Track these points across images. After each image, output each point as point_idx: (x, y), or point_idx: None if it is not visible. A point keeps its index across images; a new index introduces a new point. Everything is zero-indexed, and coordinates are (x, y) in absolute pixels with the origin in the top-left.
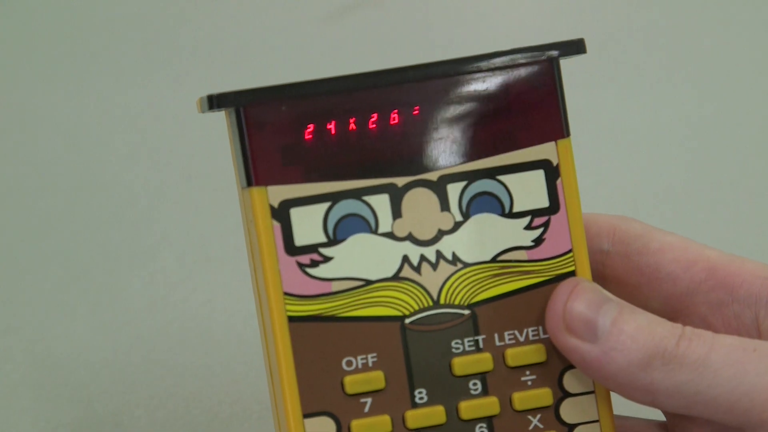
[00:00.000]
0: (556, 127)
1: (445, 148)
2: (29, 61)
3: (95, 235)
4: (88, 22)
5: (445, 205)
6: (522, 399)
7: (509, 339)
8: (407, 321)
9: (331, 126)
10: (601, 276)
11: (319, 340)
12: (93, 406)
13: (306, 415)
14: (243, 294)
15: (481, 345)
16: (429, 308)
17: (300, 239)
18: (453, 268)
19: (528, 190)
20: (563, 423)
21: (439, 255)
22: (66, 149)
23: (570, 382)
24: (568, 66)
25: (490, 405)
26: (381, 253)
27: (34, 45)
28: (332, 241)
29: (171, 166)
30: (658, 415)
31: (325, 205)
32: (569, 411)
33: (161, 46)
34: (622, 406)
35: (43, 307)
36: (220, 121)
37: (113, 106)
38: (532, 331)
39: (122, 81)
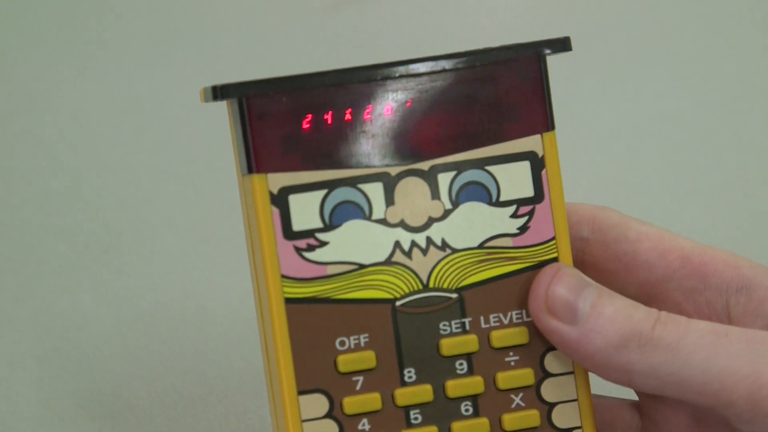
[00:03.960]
0: (542, 121)
1: (436, 140)
2: (39, 49)
3: (99, 215)
4: (94, 11)
5: (435, 194)
6: (505, 378)
7: (494, 321)
8: (398, 303)
9: (328, 116)
10: (580, 262)
11: (314, 320)
12: (94, 377)
13: (300, 392)
14: (239, 273)
15: (467, 327)
16: (419, 291)
17: (297, 224)
18: (442, 254)
19: (514, 180)
20: (544, 401)
21: (429, 241)
22: (73, 133)
23: (551, 363)
24: (552, 61)
25: (475, 384)
26: (374, 239)
27: (42, 33)
28: (328, 227)
29: (172, 150)
30: (632, 395)
31: (322, 192)
32: (550, 390)
33: (164, 35)
34: (598, 386)
35: (49, 282)
36: (220, 109)
37: (119, 93)
38: (516, 314)
39: (127, 69)
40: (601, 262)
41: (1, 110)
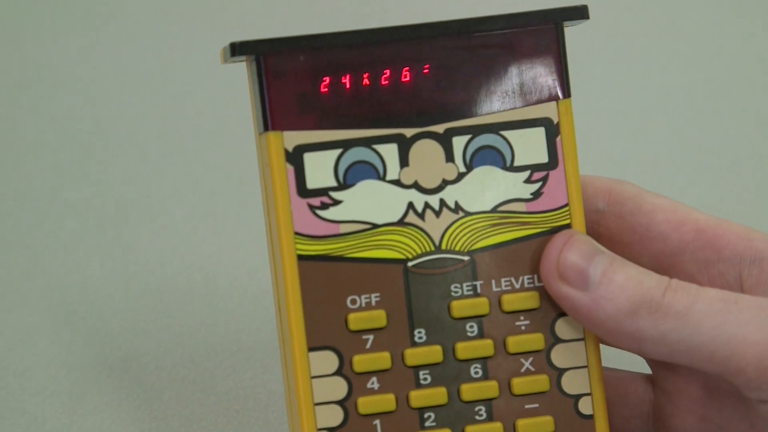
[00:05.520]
0: (558, 88)
1: (452, 104)
2: (47, 22)
3: (108, 190)
4: None
5: (450, 157)
6: (516, 342)
7: (506, 285)
8: (410, 264)
9: (346, 79)
10: (595, 234)
11: (325, 278)
12: (104, 351)
13: (311, 349)
14: (247, 247)
15: (478, 290)
16: (431, 253)
17: (312, 182)
18: (455, 216)
19: (529, 145)
20: (554, 367)
21: (443, 203)
22: (82, 105)
23: (562, 328)
24: (568, 32)
25: (485, 347)
26: (387, 199)
27: (50, 5)
28: (342, 186)
29: (181, 124)
30: (645, 369)
31: (337, 152)
32: (560, 356)
33: (172, 10)
34: (611, 359)
35: (59, 257)
36: (231, 79)
37: (127, 67)
38: (528, 278)
39: (136, 43)
40: (617, 234)
41: (9, 85)
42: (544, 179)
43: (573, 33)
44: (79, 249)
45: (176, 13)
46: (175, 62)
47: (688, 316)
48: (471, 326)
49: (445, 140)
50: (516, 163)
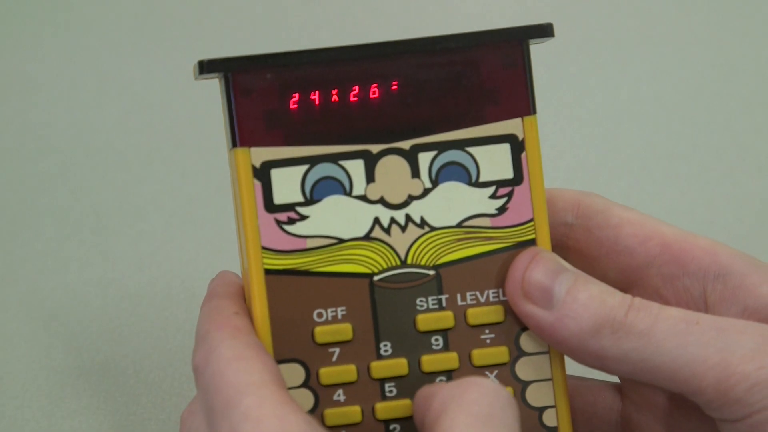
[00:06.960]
0: (524, 105)
1: (418, 120)
2: (26, 31)
3: (87, 195)
4: None
5: (415, 173)
6: (480, 355)
7: (471, 299)
8: (376, 278)
9: (315, 96)
10: (564, 247)
11: (292, 292)
12: (82, 356)
13: (278, 362)
14: (225, 253)
15: (444, 304)
16: (397, 267)
17: (279, 198)
18: (421, 231)
19: (494, 162)
20: (518, 380)
21: (408, 218)
22: (61, 115)
23: (526, 341)
24: (534, 45)
25: (450, 360)
26: (354, 214)
27: (29, 14)
28: (309, 201)
29: (159, 132)
30: (614, 377)
31: (304, 168)
32: (524, 369)
33: (152, 17)
34: (580, 367)
35: (38, 262)
36: (207, 90)
37: (107, 75)
38: (493, 292)
39: (115, 51)
40: (585, 248)
41: None
42: (509, 195)
43: (545, 43)
44: (57, 255)
45: (155, 21)
46: (154, 70)
47: (650, 336)
48: (436, 339)
49: (410, 156)
50: (481, 179)
